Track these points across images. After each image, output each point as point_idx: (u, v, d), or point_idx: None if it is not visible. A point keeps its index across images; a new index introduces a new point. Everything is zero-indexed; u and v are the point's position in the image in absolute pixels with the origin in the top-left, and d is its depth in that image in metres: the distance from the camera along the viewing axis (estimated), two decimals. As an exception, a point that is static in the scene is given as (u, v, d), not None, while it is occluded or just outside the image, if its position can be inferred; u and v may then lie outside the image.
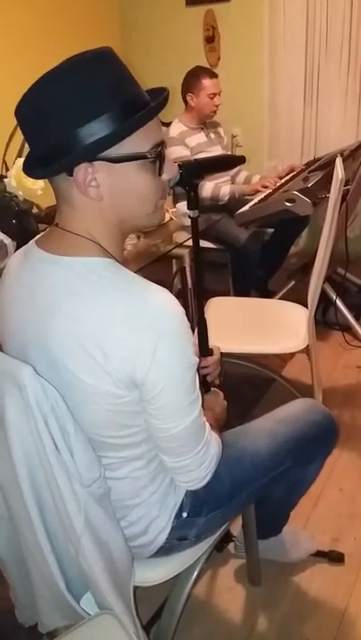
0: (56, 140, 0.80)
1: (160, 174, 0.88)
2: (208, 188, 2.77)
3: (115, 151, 0.81)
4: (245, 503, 1.26)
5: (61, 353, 0.83)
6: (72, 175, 0.81)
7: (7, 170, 1.77)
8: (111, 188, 0.83)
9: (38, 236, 0.94)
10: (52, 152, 0.80)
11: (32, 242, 0.94)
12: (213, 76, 2.77)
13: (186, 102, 2.81)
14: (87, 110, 0.78)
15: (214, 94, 2.75)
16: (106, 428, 0.90)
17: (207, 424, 0.98)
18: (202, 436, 0.95)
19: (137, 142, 0.82)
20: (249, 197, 2.77)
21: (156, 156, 0.85)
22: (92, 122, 0.78)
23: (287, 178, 2.79)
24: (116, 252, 0.90)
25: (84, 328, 0.81)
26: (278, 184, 2.73)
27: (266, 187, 2.75)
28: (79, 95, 0.78)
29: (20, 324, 0.90)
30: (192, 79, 2.77)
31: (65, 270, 0.85)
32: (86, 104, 0.79)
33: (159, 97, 0.85)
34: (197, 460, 0.95)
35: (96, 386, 0.83)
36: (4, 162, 1.80)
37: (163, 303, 0.83)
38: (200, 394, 0.92)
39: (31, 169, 0.86)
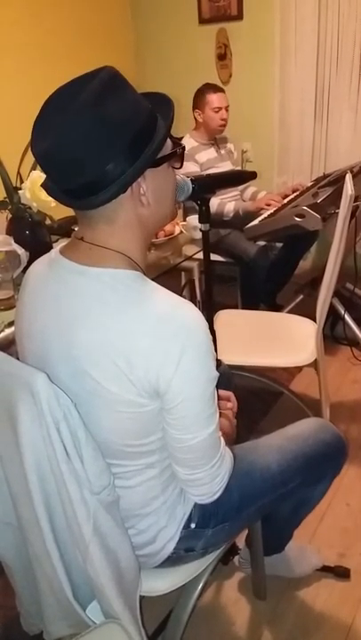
0: (94, 175, 0.82)
1: (181, 166, 0.95)
2: (213, 204, 2.78)
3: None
4: (252, 518, 1.26)
5: (86, 361, 0.85)
6: (125, 192, 0.84)
7: (22, 182, 1.81)
8: (155, 191, 0.89)
9: (61, 246, 0.96)
10: (99, 181, 0.82)
11: (55, 251, 0.95)
12: (218, 90, 2.81)
13: (196, 119, 2.86)
14: (114, 143, 0.81)
15: (219, 108, 2.78)
16: (126, 436, 0.92)
17: (222, 439, 0.99)
18: (217, 450, 0.96)
19: (165, 143, 0.89)
20: (254, 214, 2.79)
21: (182, 149, 0.93)
22: (119, 153, 0.81)
23: (292, 197, 2.80)
24: (142, 261, 0.93)
25: (111, 337, 0.83)
26: (283, 202, 2.75)
27: (269, 205, 2.76)
28: (107, 132, 0.80)
29: (42, 331, 0.91)
30: (198, 96, 2.83)
31: (93, 281, 0.86)
32: (112, 139, 0.81)
33: (159, 100, 0.91)
34: (211, 474, 0.96)
35: (119, 394, 0.85)
36: (18, 174, 1.83)
37: (188, 316, 0.85)
38: (218, 409, 0.93)
39: (74, 200, 0.86)
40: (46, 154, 0.82)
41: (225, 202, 2.83)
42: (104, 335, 0.83)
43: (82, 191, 0.83)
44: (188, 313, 0.85)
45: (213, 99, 2.78)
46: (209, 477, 0.96)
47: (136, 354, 0.82)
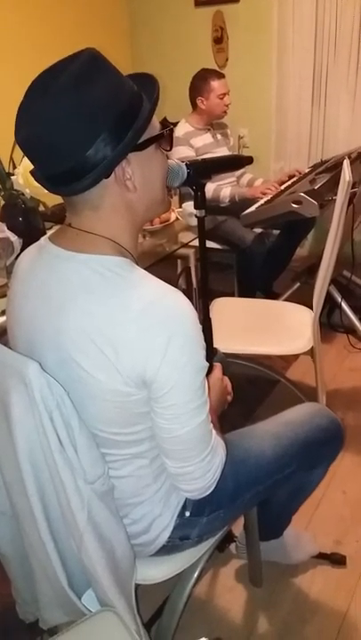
0: (74, 160, 0.80)
1: (170, 149, 0.93)
2: (209, 189, 2.77)
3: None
4: (248, 505, 1.25)
5: (73, 348, 0.83)
6: (108, 177, 0.82)
7: (14, 167, 1.78)
8: (142, 175, 0.87)
9: (50, 232, 0.95)
10: (81, 167, 0.80)
11: (45, 238, 0.94)
12: (221, 76, 2.79)
13: (194, 105, 2.83)
14: (94, 128, 0.79)
15: (224, 94, 2.78)
16: (112, 425, 0.91)
17: (214, 431, 0.96)
18: (208, 443, 0.94)
19: (151, 125, 0.86)
20: (251, 200, 2.77)
21: (170, 131, 0.90)
22: (99, 138, 0.79)
23: (288, 183, 2.78)
24: (133, 248, 0.91)
25: (97, 324, 0.81)
26: (280, 189, 2.73)
27: (265, 193, 2.74)
28: (87, 117, 0.79)
29: (31, 318, 0.90)
30: (200, 82, 2.79)
31: (80, 266, 0.85)
32: (92, 124, 0.79)
33: (145, 81, 0.88)
34: (202, 468, 0.94)
35: (106, 382, 0.84)
36: (11, 159, 1.80)
37: (176, 304, 0.84)
38: (208, 399, 0.92)
39: (58, 187, 0.84)
40: (27, 141, 0.81)
41: (221, 187, 2.81)
42: (90, 322, 0.82)
43: (64, 177, 0.82)
44: (175, 301, 0.84)
45: (219, 85, 2.77)
46: (200, 471, 0.94)
47: (122, 342, 0.81)
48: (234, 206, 2.79)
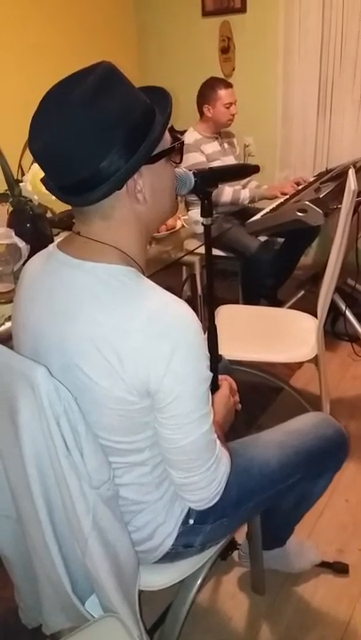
0: (88, 172, 0.81)
1: (180, 162, 0.94)
2: (228, 192, 2.80)
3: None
4: (252, 513, 1.26)
5: (78, 355, 0.84)
6: (120, 189, 0.83)
7: (23, 174, 1.80)
8: (152, 187, 0.88)
9: (59, 240, 0.96)
10: (94, 178, 0.81)
11: (53, 245, 0.95)
12: (228, 86, 2.82)
13: (202, 113, 2.85)
14: (108, 140, 0.81)
15: (230, 104, 2.80)
16: (114, 433, 0.91)
17: (218, 441, 0.96)
18: (212, 453, 0.94)
19: (163, 138, 0.88)
20: (259, 207, 2.79)
21: (181, 145, 0.92)
22: (113, 150, 0.81)
23: (299, 188, 2.81)
24: (141, 258, 0.92)
25: (103, 332, 0.82)
26: (298, 188, 2.76)
27: (285, 193, 2.77)
28: (102, 129, 0.80)
29: (37, 324, 0.91)
30: (208, 91, 2.81)
31: (87, 275, 0.86)
32: (106, 136, 0.80)
33: (158, 95, 0.90)
34: (207, 478, 0.94)
35: (110, 390, 0.84)
36: (19, 166, 1.82)
37: (181, 315, 0.84)
38: (212, 409, 0.92)
39: (71, 197, 0.85)
40: (41, 151, 0.82)
41: (239, 189, 2.84)
42: (96, 330, 0.82)
43: (77, 188, 0.83)
44: (180, 311, 0.84)
45: (225, 94, 2.79)
46: (205, 481, 0.94)
47: (127, 351, 0.81)
48: (248, 211, 2.81)
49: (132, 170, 0.83)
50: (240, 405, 1.23)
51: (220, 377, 1.22)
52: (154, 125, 0.85)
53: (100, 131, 0.80)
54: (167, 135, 0.90)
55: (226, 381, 1.21)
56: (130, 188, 0.85)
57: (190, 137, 2.80)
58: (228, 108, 2.80)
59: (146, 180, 0.86)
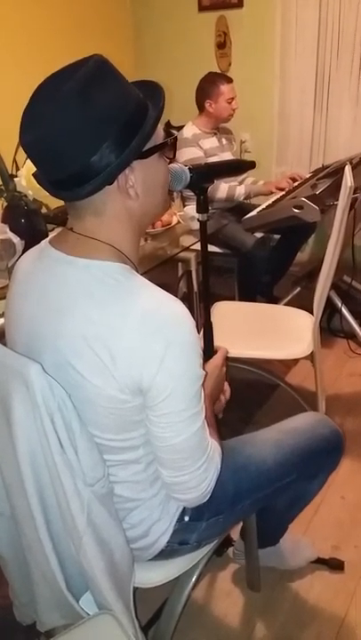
0: (78, 166, 0.81)
1: (173, 157, 0.93)
2: (223, 189, 2.79)
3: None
4: (247, 511, 1.25)
5: (70, 353, 0.83)
6: (111, 184, 0.82)
7: (17, 169, 1.78)
8: (144, 183, 0.87)
9: (51, 236, 0.95)
10: (85, 172, 0.81)
11: (45, 242, 0.95)
12: (229, 81, 2.82)
13: (202, 108, 2.84)
14: (99, 134, 0.80)
15: (232, 98, 2.80)
16: (107, 431, 0.90)
17: (210, 440, 0.95)
18: (203, 452, 0.93)
19: (156, 133, 0.87)
20: (255, 204, 2.78)
21: (174, 140, 0.91)
22: (104, 145, 0.80)
23: (295, 184, 2.80)
24: (134, 255, 0.92)
25: (96, 330, 0.81)
26: (293, 185, 2.75)
27: (281, 188, 2.76)
28: (93, 123, 0.79)
29: (29, 321, 0.91)
30: (209, 86, 2.80)
31: (81, 272, 0.85)
32: (97, 130, 0.79)
33: (151, 89, 0.89)
34: (197, 477, 0.92)
35: (102, 388, 0.84)
36: (14, 161, 1.81)
37: (174, 313, 0.84)
38: (204, 407, 0.91)
39: (61, 191, 0.85)
40: (32, 145, 0.81)
41: (235, 185, 2.83)
42: (88, 328, 0.82)
43: (67, 182, 0.82)
44: (173, 310, 0.84)
45: (227, 89, 2.79)
46: (195, 481, 0.93)
47: (120, 349, 0.81)
48: (243, 207, 2.80)
49: (122, 165, 0.82)
50: (228, 395, 1.22)
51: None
52: (146, 120, 0.84)
53: (91, 125, 0.79)
54: (160, 130, 0.89)
55: (220, 351, 1.20)
56: (121, 184, 0.84)
57: (189, 131, 2.80)
58: (229, 102, 2.80)
59: (138, 175, 0.85)
